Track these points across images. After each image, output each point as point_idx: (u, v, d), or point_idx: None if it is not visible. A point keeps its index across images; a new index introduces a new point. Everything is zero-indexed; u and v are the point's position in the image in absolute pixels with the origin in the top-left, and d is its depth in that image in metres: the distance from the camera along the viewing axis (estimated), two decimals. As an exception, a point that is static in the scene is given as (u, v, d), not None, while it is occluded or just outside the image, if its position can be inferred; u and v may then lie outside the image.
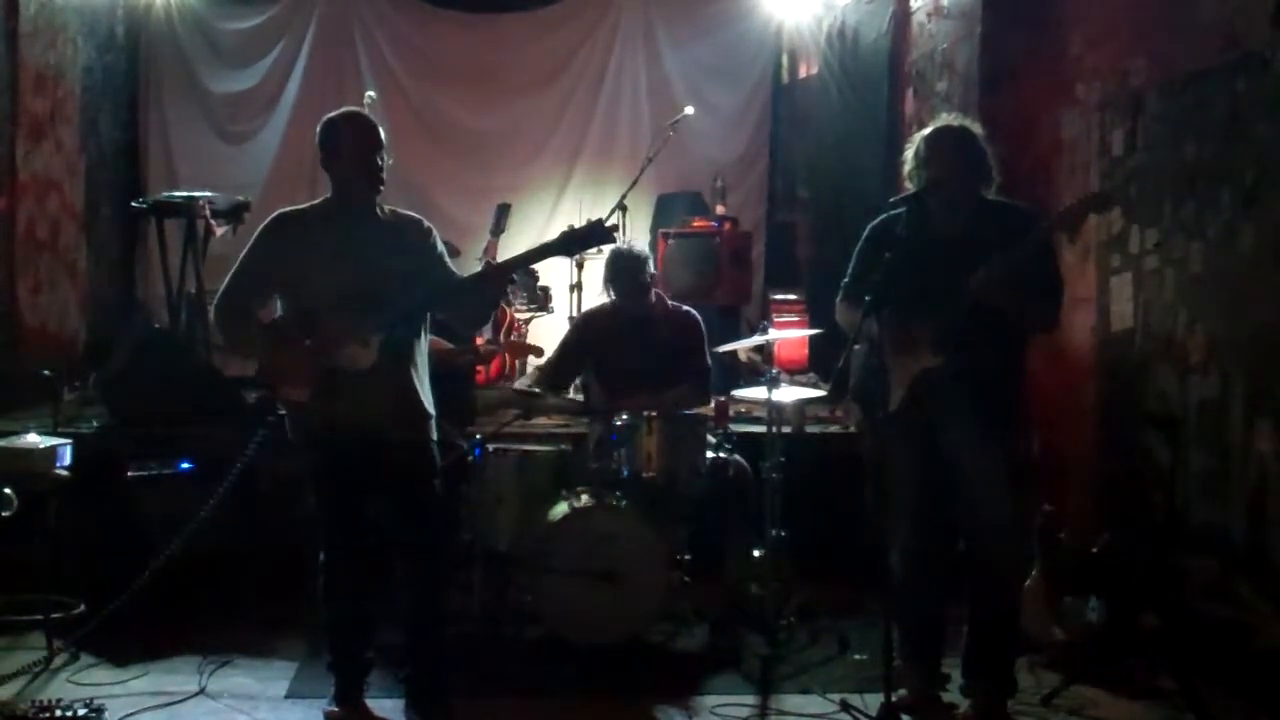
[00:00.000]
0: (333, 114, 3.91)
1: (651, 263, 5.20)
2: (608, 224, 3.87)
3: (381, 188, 3.85)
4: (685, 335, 5.23)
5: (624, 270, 5.09)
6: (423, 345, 3.94)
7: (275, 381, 3.85)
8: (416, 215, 4.00)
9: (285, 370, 3.78)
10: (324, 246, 3.77)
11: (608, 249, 5.24)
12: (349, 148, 3.80)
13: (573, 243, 3.85)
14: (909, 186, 3.93)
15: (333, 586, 3.89)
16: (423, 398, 3.90)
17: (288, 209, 3.97)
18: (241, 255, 3.89)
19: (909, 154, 3.94)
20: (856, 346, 3.82)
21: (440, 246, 3.99)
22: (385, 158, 3.85)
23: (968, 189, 3.86)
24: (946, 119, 4.03)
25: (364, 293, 3.71)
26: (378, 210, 3.88)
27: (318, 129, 3.89)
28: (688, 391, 5.10)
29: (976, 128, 3.92)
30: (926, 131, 3.94)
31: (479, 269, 4.10)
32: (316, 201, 3.96)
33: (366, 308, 3.70)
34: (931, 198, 3.82)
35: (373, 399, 3.74)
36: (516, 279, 6.60)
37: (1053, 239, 3.95)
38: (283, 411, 3.89)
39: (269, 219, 3.94)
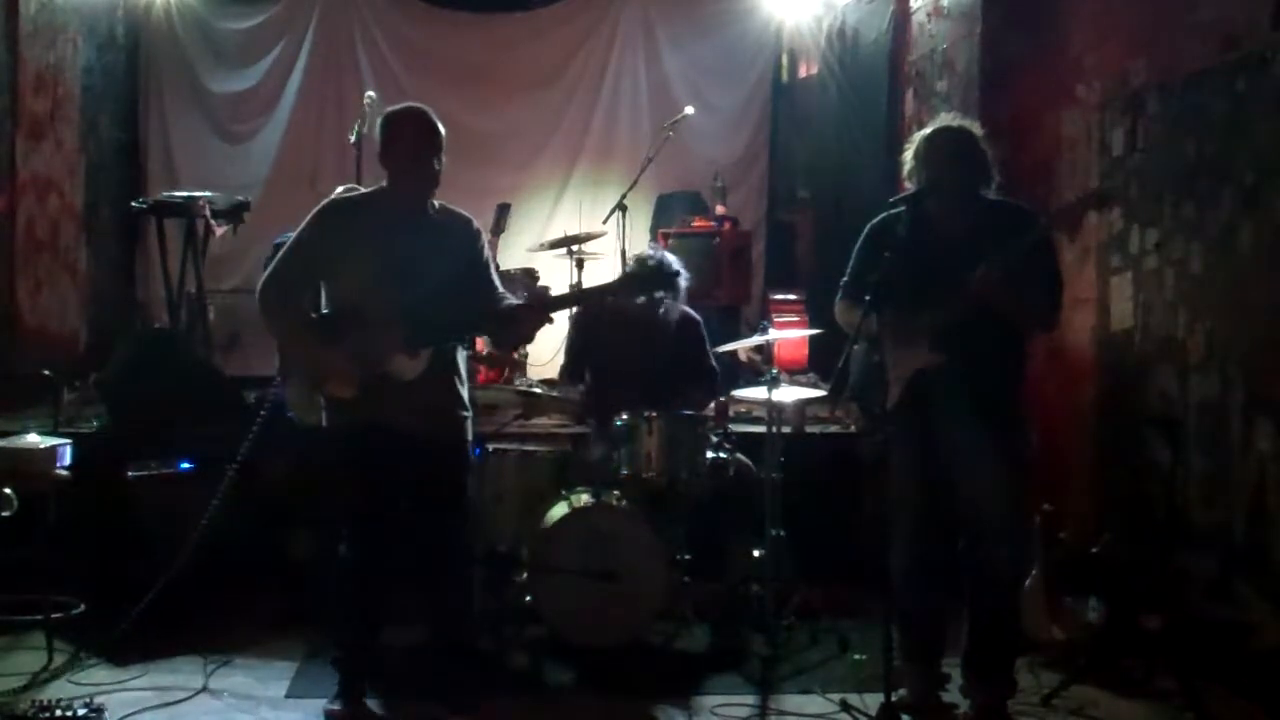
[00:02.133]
0: (394, 109, 3.90)
1: (682, 283, 4.97)
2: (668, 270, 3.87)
3: (435, 189, 3.85)
4: (686, 338, 5.23)
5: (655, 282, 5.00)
6: (462, 348, 3.98)
7: (320, 378, 3.83)
8: (466, 214, 4.01)
9: (331, 368, 3.77)
10: (374, 242, 3.76)
11: (649, 250, 5.21)
12: (405, 146, 3.79)
13: (633, 285, 3.86)
14: (909, 186, 3.93)
15: (351, 582, 3.89)
16: (463, 397, 3.94)
17: (341, 197, 3.97)
18: (291, 240, 3.87)
19: (909, 154, 3.94)
20: (856, 346, 3.82)
21: (486, 250, 4.01)
22: (441, 160, 3.83)
23: (967, 189, 3.86)
24: (946, 119, 4.03)
25: (417, 304, 3.70)
26: (429, 207, 3.88)
27: (378, 122, 3.87)
28: (701, 399, 5.13)
29: (976, 128, 3.92)
30: (926, 131, 3.94)
31: (524, 300, 4.10)
32: (371, 190, 3.93)
33: (419, 322, 3.71)
34: (931, 197, 3.83)
35: (418, 404, 3.77)
36: (514, 277, 6.64)
37: (1052, 238, 3.95)
38: (277, 402, 3.90)
39: (322, 204, 3.92)
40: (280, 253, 3.88)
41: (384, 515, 3.84)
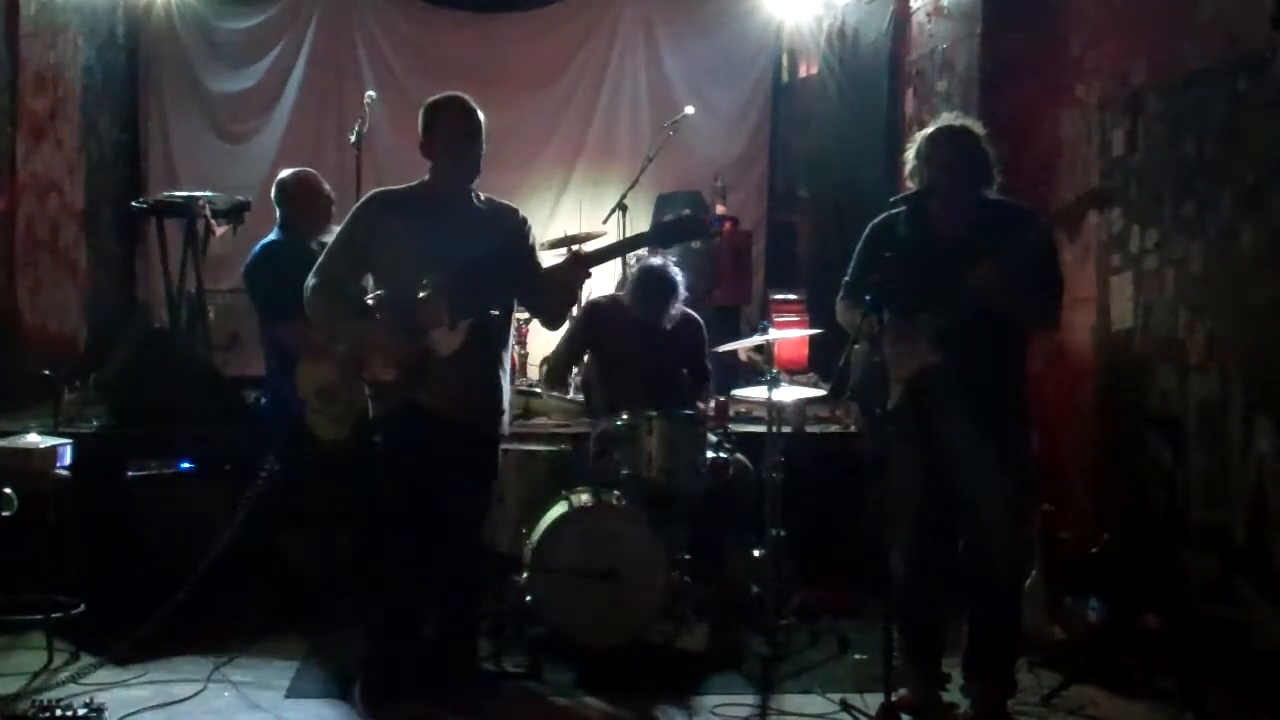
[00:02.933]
0: (434, 97, 3.94)
1: (681, 290, 5.08)
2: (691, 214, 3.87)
3: (476, 176, 3.89)
4: (689, 338, 5.25)
5: (652, 293, 5.02)
6: (509, 335, 4.01)
7: (364, 360, 3.84)
8: (512, 204, 4.03)
9: (375, 349, 3.79)
10: (419, 230, 3.78)
11: (647, 261, 5.19)
12: (446, 134, 3.83)
13: (668, 234, 3.91)
14: (910, 185, 3.93)
15: (397, 573, 3.88)
16: (503, 390, 3.96)
17: (385, 188, 3.98)
18: (337, 232, 3.93)
19: (910, 153, 3.94)
20: (856, 346, 3.82)
21: (533, 237, 4.04)
22: (483, 147, 3.87)
23: (968, 188, 3.86)
24: (948, 118, 4.03)
25: (457, 279, 3.72)
26: (474, 197, 3.91)
27: (420, 112, 3.90)
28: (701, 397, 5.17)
29: (978, 127, 3.92)
30: (928, 131, 3.94)
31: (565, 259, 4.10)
32: (414, 183, 3.95)
33: (458, 293, 3.72)
34: (932, 197, 3.82)
35: (457, 384, 3.77)
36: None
37: (1053, 237, 3.94)
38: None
39: (366, 197, 3.96)
40: (326, 249, 3.92)
41: (423, 504, 3.83)
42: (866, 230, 4.04)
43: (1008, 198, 4.00)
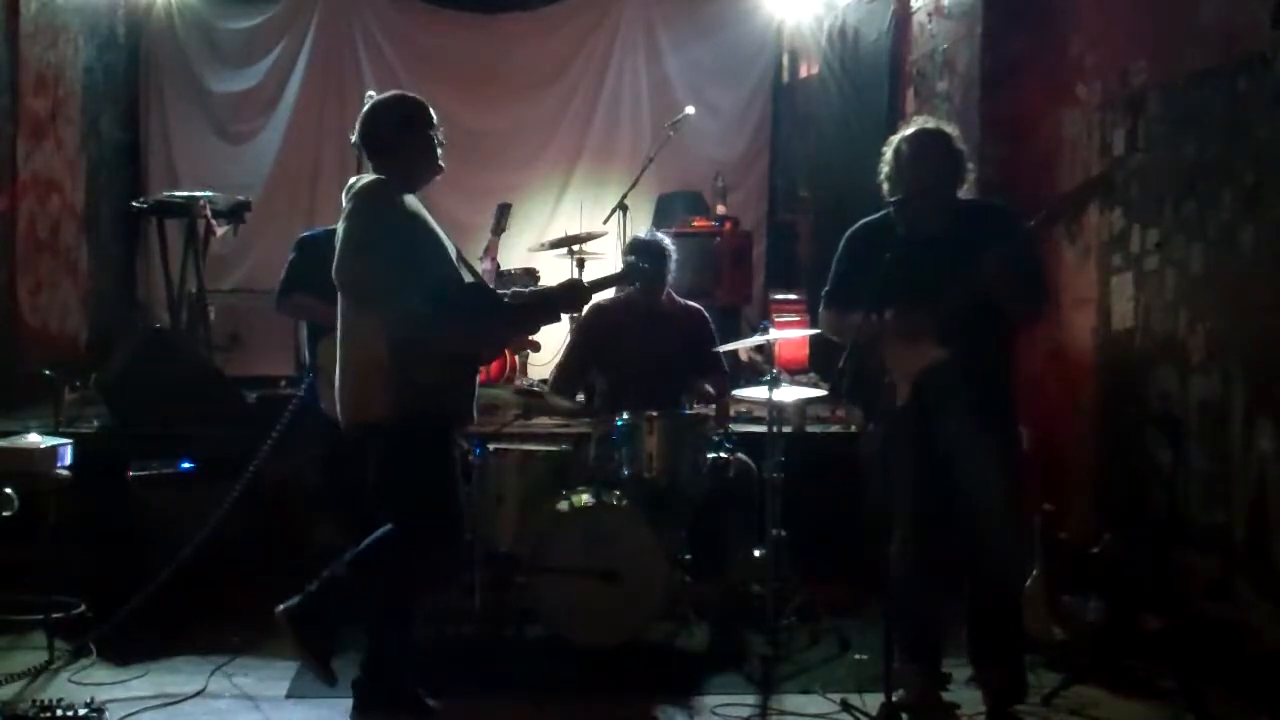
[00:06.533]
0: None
1: (673, 259, 5.17)
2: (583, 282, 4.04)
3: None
4: (694, 332, 5.24)
5: (646, 257, 5.07)
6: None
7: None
8: None
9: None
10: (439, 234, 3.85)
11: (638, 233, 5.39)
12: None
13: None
14: (885, 188, 3.93)
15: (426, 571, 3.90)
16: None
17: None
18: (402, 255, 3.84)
19: (888, 156, 3.92)
20: (857, 345, 3.83)
21: None
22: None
23: (948, 191, 3.87)
24: (921, 122, 4.04)
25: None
26: None
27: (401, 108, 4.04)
28: (721, 390, 5.21)
29: (952, 128, 3.95)
30: (907, 134, 3.93)
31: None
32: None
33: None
34: (913, 200, 3.81)
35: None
36: (515, 277, 6.68)
37: (1031, 229, 3.93)
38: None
39: (394, 209, 3.83)
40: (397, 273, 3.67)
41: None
42: (846, 237, 4.07)
43: (980, 197, 4.02)
